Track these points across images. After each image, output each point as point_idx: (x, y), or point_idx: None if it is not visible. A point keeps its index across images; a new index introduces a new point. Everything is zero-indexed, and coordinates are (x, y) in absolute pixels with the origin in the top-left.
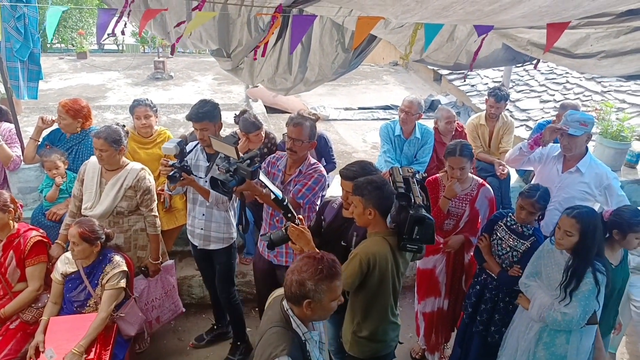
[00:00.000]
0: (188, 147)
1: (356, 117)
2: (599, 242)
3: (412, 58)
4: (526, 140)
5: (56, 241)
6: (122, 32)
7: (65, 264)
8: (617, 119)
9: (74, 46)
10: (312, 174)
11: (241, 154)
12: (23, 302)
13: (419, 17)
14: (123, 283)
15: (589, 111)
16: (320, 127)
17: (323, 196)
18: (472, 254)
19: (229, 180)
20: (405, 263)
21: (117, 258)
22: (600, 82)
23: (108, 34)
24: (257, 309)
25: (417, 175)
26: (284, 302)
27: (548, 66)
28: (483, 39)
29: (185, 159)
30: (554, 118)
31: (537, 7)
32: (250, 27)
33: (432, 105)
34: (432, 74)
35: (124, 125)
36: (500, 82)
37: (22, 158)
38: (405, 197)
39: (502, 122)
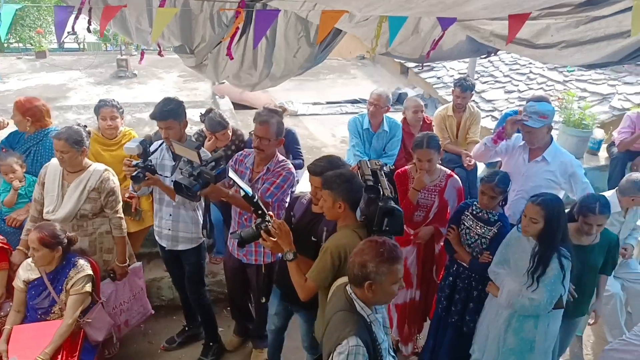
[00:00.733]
0: (153, 146)
1: (325, 112)
2: (564, 228)
3: (379, 51)
4: (490, 136)
5: (17, 247)
6: (88, 30)
7: (27, 270)
8: (578, 107)
9: (32, 45)
10: (280, 172)
11: (209, 153)
12: None
13: (383, 10)
14: (88, 287)
15: (552, 101)
16: (289, 123)
17: (292, 192)
18: (442, 244)
19: (193, 185)
20: None
21: (82, 262)
22: (562, 72)
23: (68, 32)
24: (228, 308)
25: (384, 168)
26: (347, 287)
27: (512, 57)
28: (445, 30)
29: (149, 158)
30: (520, 109)
31: None
32: (214, 22)
33: (400, 98)
34: (399, 67)
35: (85, 126)
36: (465, 73)
37: None
38: (374, 189)
39: (469, 112)
